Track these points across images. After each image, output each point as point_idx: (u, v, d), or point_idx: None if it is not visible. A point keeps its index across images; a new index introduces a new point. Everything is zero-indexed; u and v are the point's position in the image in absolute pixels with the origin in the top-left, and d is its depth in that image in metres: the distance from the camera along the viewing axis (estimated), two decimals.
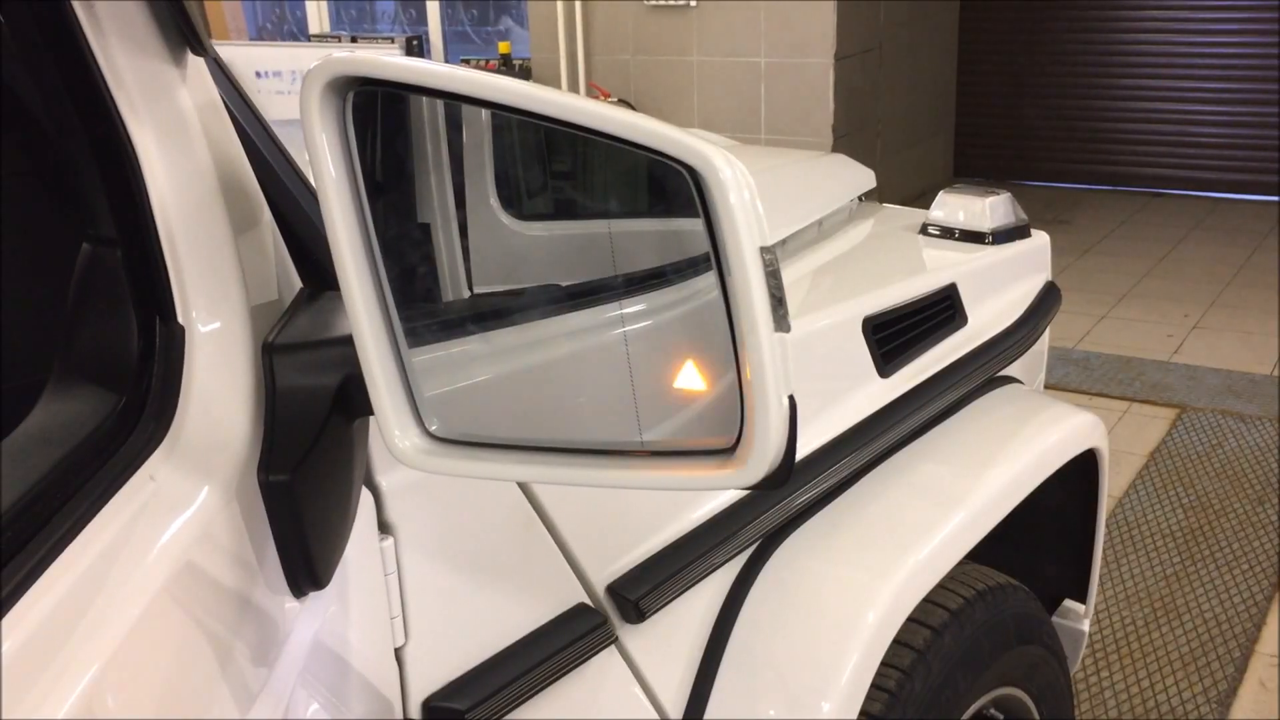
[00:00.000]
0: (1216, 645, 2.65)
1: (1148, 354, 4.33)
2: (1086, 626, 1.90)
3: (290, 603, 0.74)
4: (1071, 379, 4.12)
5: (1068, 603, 1.91)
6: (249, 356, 0.71)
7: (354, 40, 6.52)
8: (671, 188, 0.71)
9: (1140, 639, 2.69)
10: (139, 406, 0.67)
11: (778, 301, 0.57)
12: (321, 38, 6.96)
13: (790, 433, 0.59)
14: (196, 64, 0.72)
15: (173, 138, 0.68)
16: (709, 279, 0.64)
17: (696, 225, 0.64)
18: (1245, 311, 4.71)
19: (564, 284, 0.81)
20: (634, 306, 0.72)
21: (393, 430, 0.67)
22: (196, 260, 0.69)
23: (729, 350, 0.60)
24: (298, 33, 7.52)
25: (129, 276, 0.68)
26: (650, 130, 0.59)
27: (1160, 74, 6.47)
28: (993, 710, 1.58)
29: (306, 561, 0.71)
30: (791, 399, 0.59)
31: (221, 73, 0.79)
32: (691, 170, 0.58)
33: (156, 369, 0.68)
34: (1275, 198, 6.25)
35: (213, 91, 0.73)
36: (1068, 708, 1.74)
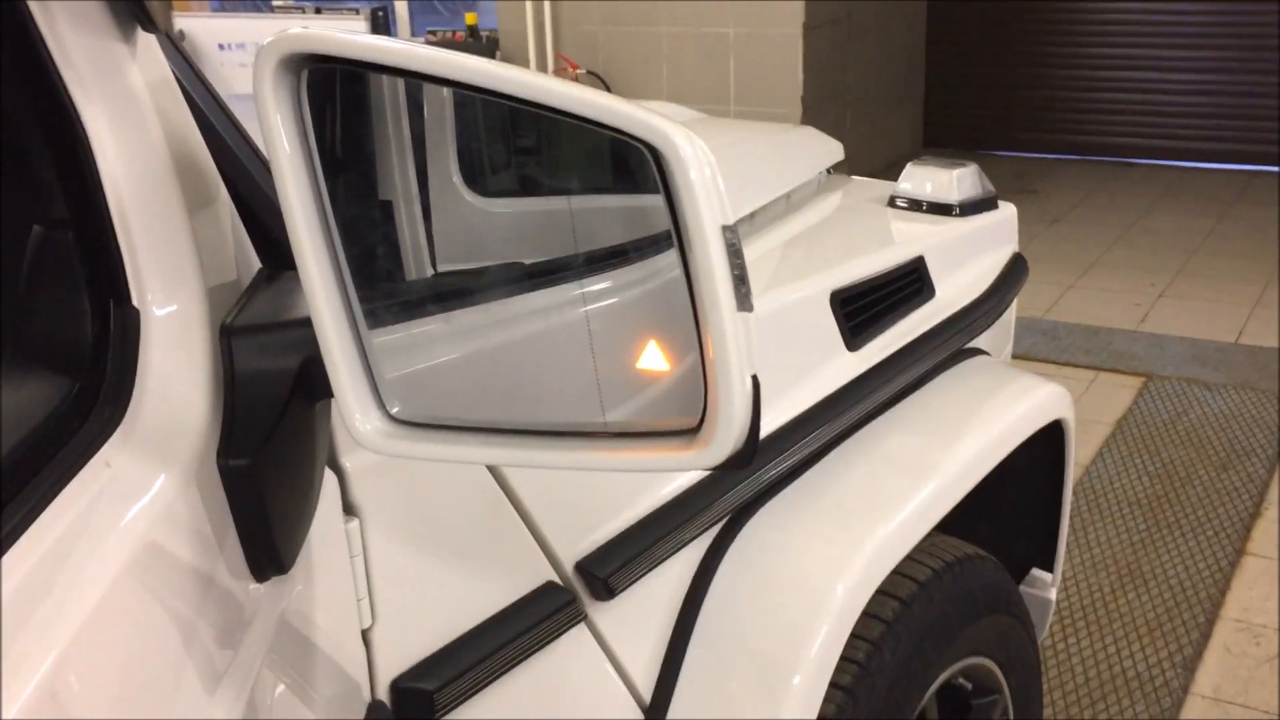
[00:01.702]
0: (1182, 610, 2.69)
1: (1115, 323, 4.36)
2: (1054, 595, 1.92)
3: (254, 586, 0.73)
4: (1039, 348, 4.15)
5: (1035, 572, 1.93)
6: (207, 339, 0.70)
7: (318, 11, 6.44)
8: (635, 164, 0.70)
9: (1106, 605, 2.73)
10: (94, 392, 0.66)
11: (740, 280, 0.57)
12: (285, 9, 6.87)
13: (754, 413, 0.59)
14: (147, 40, 0.70)
15: (124, 116, 0.67)
16: (672, 257, 0.64)
17: (660, 202, 0.63)
18: (1211, 280, 4.75)
19: (527, 262, 0.80)
20: (597, 285, 0.71)
21: (353, 414, 0.66)
22: (151, 242, 0.68)
23: (692, 330, 0.60)
24: (261, 4, 7.41)
25: (81, 259, 0.66)
26: (609, 108, 0.58)
27: (1127, 43, 6.50)
28: (962, 679, 1.60)
29: (269, 546, 0.70)
30: (755, 379, 0.58)
31: (174, 48, 0.78)
32: (652, 148, 0.58)
33: (111, 353, 0.66)
34: (1242, 166, 6.30)
35: (165, 68, 0.72)
36: (1036, 676, 1.76)
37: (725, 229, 0.57)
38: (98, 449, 0.65)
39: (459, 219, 0.87)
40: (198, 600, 0.67)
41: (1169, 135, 6.51)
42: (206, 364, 0.70)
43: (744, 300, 0.57)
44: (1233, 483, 3.23)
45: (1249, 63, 6.24)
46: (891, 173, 1.95)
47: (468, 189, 0.88)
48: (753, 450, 0.59)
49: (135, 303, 0.67)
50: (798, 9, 5.24)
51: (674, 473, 1.18)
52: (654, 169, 0.58)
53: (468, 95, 0.66)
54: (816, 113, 5.44)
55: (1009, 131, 6.87)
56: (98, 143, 0.65)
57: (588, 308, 0.70)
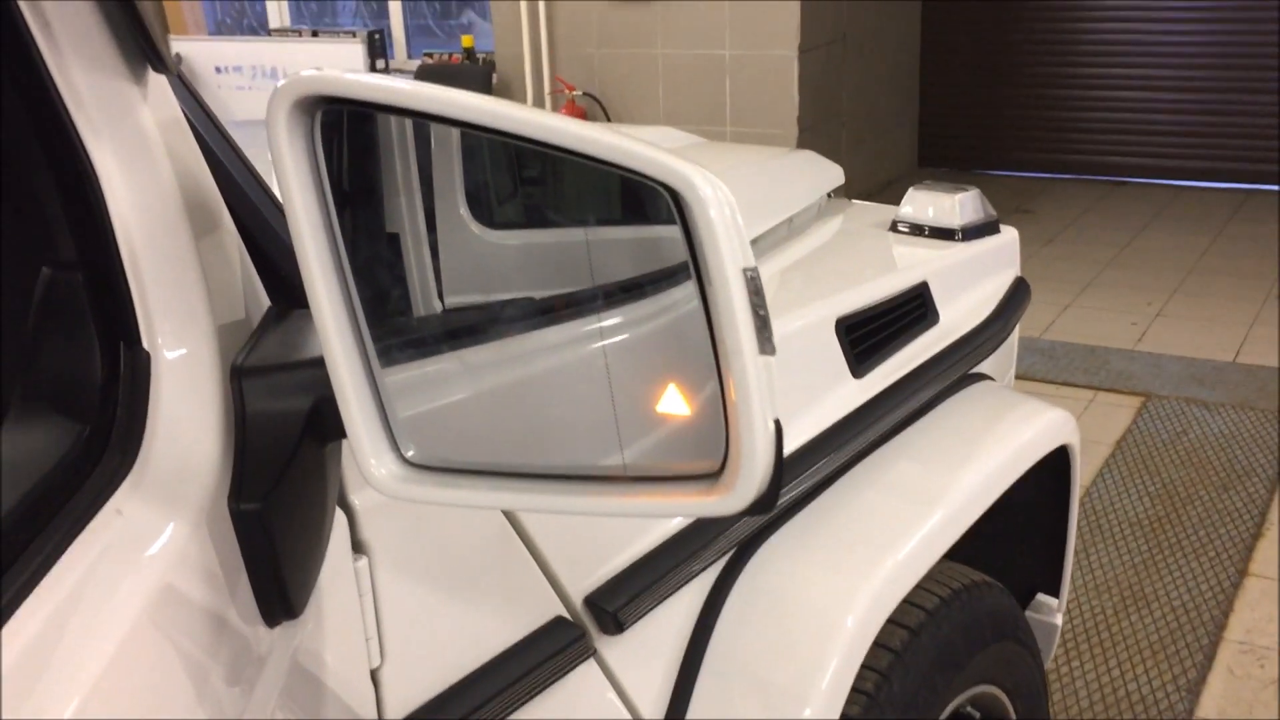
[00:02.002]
0: (1185, 633, 2.68)
1: (1112, 343, 4.36)
2: (1059, 620, 1.91)
3: (265, 630, 0.72)
4: (1037, 369, 4.15)
5: (1040, 596, 1.92)
6: (217, 381, 0.69)
7: (315, 35, 6.45)
8: (645, 195, 0.70)
9: (1110, 628, 2.71)
10: (104, 437, 0.65)
11: (762, 323, 0.56)
12: (282, 32, 6.88)
13: (777, 457, 0.58)
14: (158, 80, 0.70)
15: (134, 157, 0.66)
16: (687, 289, 0.63)
17: (674, 233, 0.63)
18: (1208, 299, 4.76)
19: (537, 297, 0.79)
20: (610, 321, 0.70)
21: (368, 459, 0.65)
22: (161, 283, 0.67)
23: (710, 370, 0.59)
24: (257, 27, 7.43)
25: (91, 301, 0.66)
26: (626, 150, 0.57)
27: (1121, 63, 6.53)
28: (969, 708, 1.59)
29: (280, 591, 0.70)
30: (777, 423, 0.58)
31: (185, 88, 0.77)
32: (671, 190, 0.57)
33: (121, 397, 0.66)
34: (1236, 185, 6.32)
35: (175, 108, 0.71)
36: (1043, 702, 1.75)
37: (746, 270, 0.56)
38: (109, 496, 0.64)
39: (467, 252, 0.87)
40: (211, 647, 0.66)
41: (1163, 154, 6.53)
42: (217, 406, 0.69)
43: (766, 343, 0.56)
44: (1233, 503, 3.22)
45: (1243, 82, 6.27)
46: (887, 193, 1.95)
47: (475, 221, 0.87)
48: (775, 496, 0.58)
49: (145, 345, 0.67)
50: (793, 31, 5.26)
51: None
52: (674, 211, 0.57)
53: (481, 136, 0.65)
54: (812, 134, 5.45)
55: (1003, 151, 6.89)
56: (108, 183, 0.65)
57: (601, 344, 0.70)
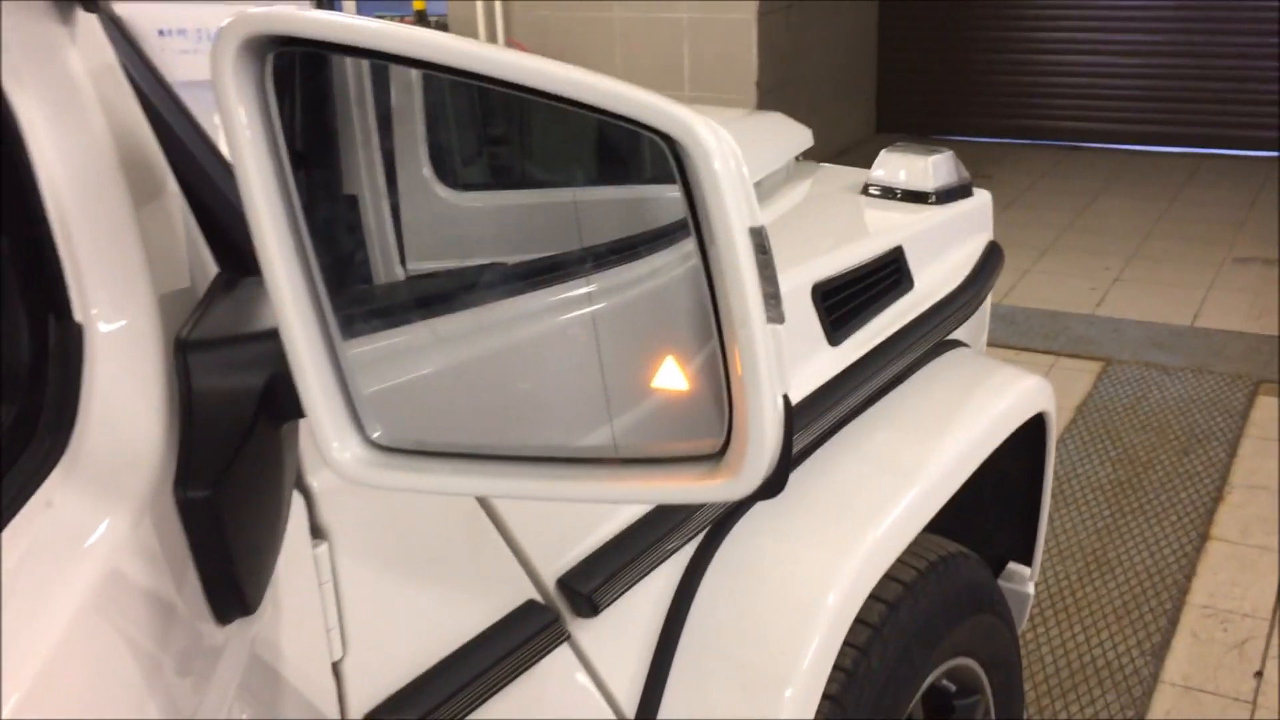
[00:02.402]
0: (1149, 597, 2.68)
1: (1071, 308, 4.36)
2: (1031, 589, 1.90)
3: (217, 629, 0.66)
4: (998, 334, 4.14)
5: (1013, 565, 1.90)
6: (159, 356, 0.62)
7: None
8: (628, 149, 0.64)
9: (1074, 593, 2.71)
10: (31, 420, 0.58)
11: (771, 288, 0.51)
12: None
13: (786, 436, 0.52)
14: (88, 21, 0.63)
15: (63, 107, 0.59)
16: (675, 254, 0.58)
17: (659, 191, 0.57)
18: (1164, 263, 4.77)
19: (510, 262, 0.73)
20: (592, 287, 0.65)
21: (330, 441, 0.59)
22: (95, 248, 0.60)
23: (708, 341, 0.54)
24: None
25: (16, 269, 0.59)
26: (622, 95, 0.51)
27: (1075, 27, 6.52)
28: (946, 682, 1.56)
29: (233, 585, 0.63)
30: (786, 398, 0.52)
31: (118, 31, 0.70)
32: (670, 139, 0.51)
33: (51, 375, 0.59)
34: (1191, 149, 6.35)
35: (108, 53, 0.64)
36: (1017, 674, 1.73)
37: (753, 230, 0.50)
38: (37, 486, 0.57)
39: (431, 216, 0.81)
40: (157, 652, 0.60)
41: (1118, 119, 6.54)
42: (159, 384, 0.62)
43: (774, 310, 0.51)
44: (1194, 467, 3.23)
45: (1197, 46, 6.29)
46: (845, 159, 1.90)
47: (439, 183, 0.81)
48: (784, 478, 0.53)
49: (78, 317, 0.60)
50: None
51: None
52: (673, 165, 0.51)
53: (451, 79, 0.59)
54: (771, 98, 5.39)
55: (960, 116, 6.88)
56: (33, 137, 0.58)
57: (585, 312, 0.64)
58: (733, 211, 0.50)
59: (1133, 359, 3.92)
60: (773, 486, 0.53)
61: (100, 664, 0.56)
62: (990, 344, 4.08)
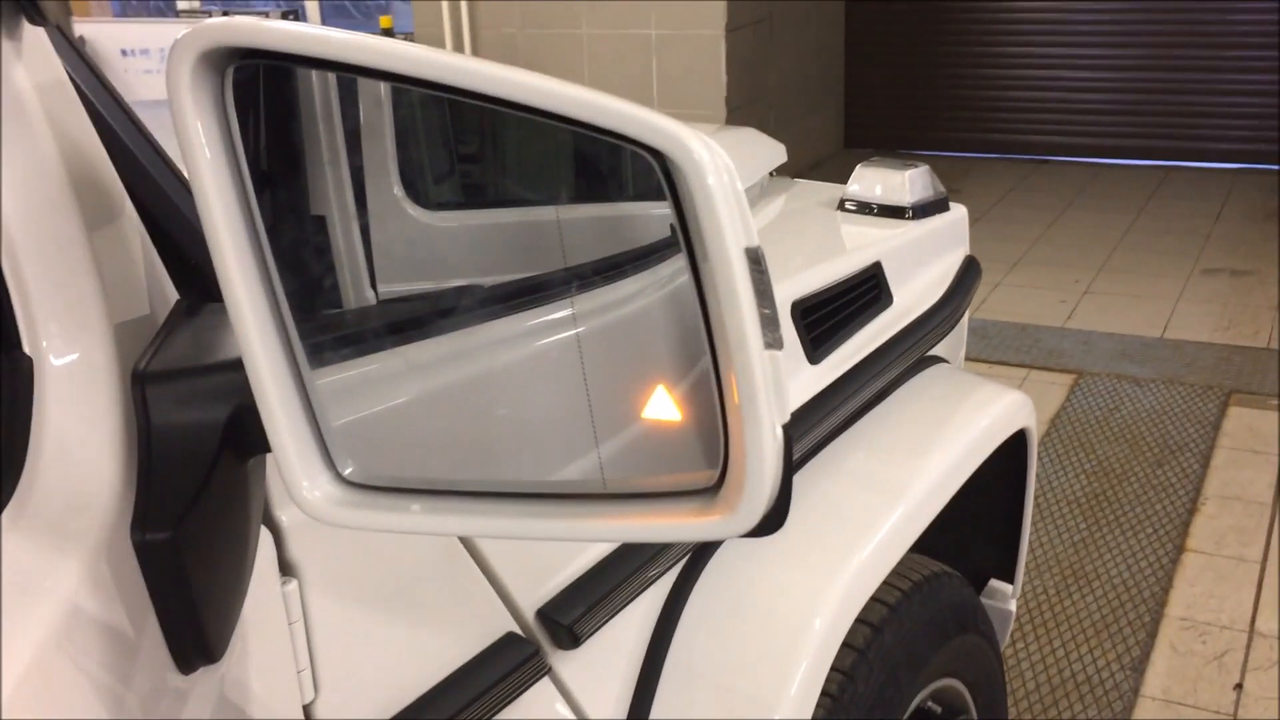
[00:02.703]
0: (1127, 610, 2.67)
1: (1043, 320, 4.37)
2: (1014, 606, 1.87)
3: (180, 679, 0.62)
4: (971, 348, 4.11)
5: (994, 583, 1.87)
6: (115, 389, 0.59)
7: (225, 15, 6.22)
8: (607, 166, 0.61)
9: (1053, 607, 2.70)
10: None
11: (768, 312, 0.48)
12: (191, 13, 6.64)
13: (786, 468, 0.49)
14: (36, 36, 0.59)
15: (8, 125, 0.55)
16: (663, 273, 0.55)
17: (645, 209, 0.54)
18: (1133, 275, 4.80)
19: (487, 284, 0.70)
20: (575, 310, 0.62)
21: (299, 479, 0.55)
22: (45, 275, 0.56)
23: (705, 368, 0.50)
24: (165, 8, 7.16)
25: None
26: (609, 109, 0.48)
27: (1042, 42, 6.57)
28: (931, 703, 1.53)
29: (196, 633, 0.59)
30: (786, 429, 0.49)
31: (69, 46, 0.66)
32: (659, 154, 0.48)
33: None
34: (1157, 162, 6.40)
35: (58, 70, 0.61)
36: (1001, 693, 1.71)
37: (748, 250, 0.47)
38: None
39: (403, 237, 0.77)
40: (116, 707, 0.56)
41: (1084, 133, 6.59)
42: (115, 419, 0.58)
43: (772, 335, 0.48)
44: (1168, 478, 3.23)
45: (1162, 60, 6.35)
46: (814, 175, 1.89)
47: (411, 202, 0.78)
48: (784, 514, 0.50)
49: (27, 349, 0.56)
50: (719, 10, 5.19)
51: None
52: (662, 181, 0.48)
53: (425, 92, 0.56)
54: (740, 114, 5.40)
55: (928, 131, 6.91)
56: None
57: (565, 337, 0.61)
58: (728, 230, 0.47)
59: (1104, 371, 3.92)
60: (772, 523, 0.50)
61: (56, 713, 0.52)
62: (964, 358, 4.08)
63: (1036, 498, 3.16)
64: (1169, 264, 4.89)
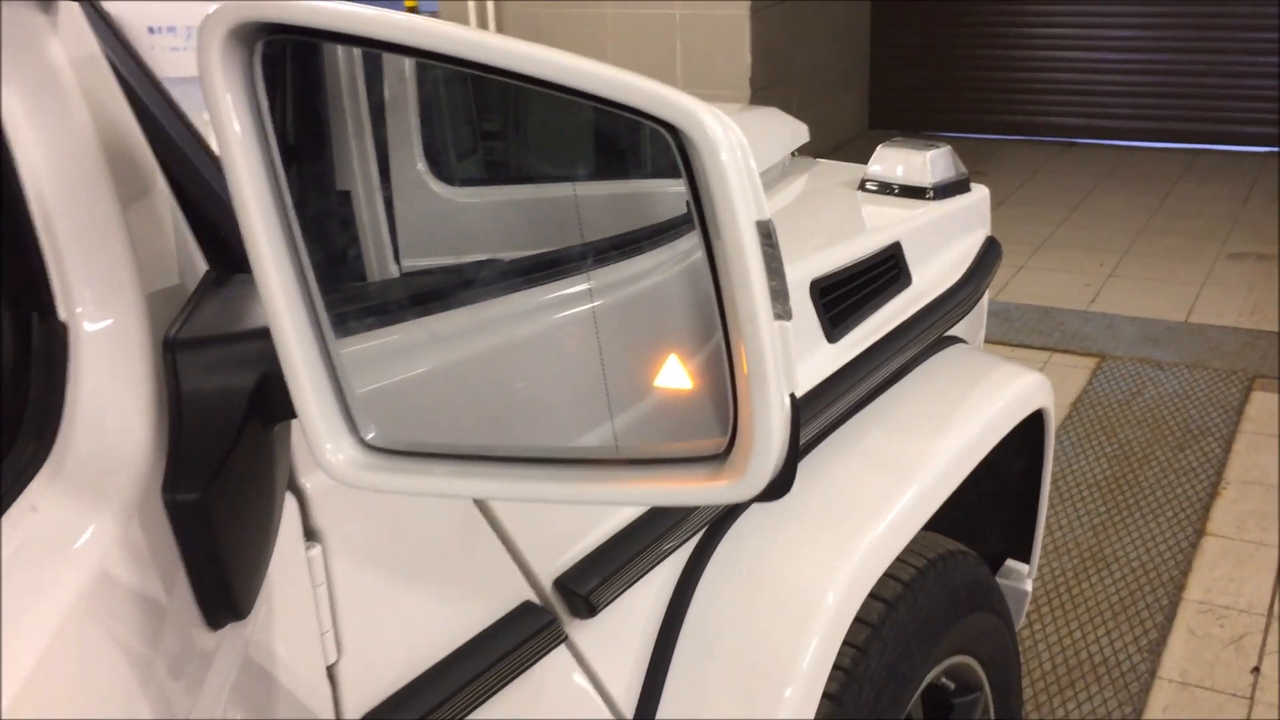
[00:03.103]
0: (1145, 593, 2.68)
1: (1066, 304, 4.36)
2: (1029, 586, 1.88)
3: (209, 634, 0.64)
4: (993, 331, 4.13)
5: (1010, 563, 1.89)
6: (147, 355, 0.61)
7: None
8: (626, 143, 0.62)
9: (1070, 590, 2.70)
10: (15, 422, 0.57)
11: (778, 284, 0.49)
12: None
13: (793, 436, 0.51)
14: (70, 9, 0.61)
15: (43, 99, 0.57)
16: (674, 250, 0.56)
17: (661, 185, 0.56)
18: (1158, 259, 4.77)
19: (507, 258, 0.72)
20: (592, 283, 0.63)
21: (323, 443, 0.57)
22: (80, 244, 0.58)
23: (717, 339, 0.52)
24: None
25: None
26: (625, 84, 0.49)
27: (1068, 23, 6.51)
28: (945, 680, 1.55)
29: (224, 590, 0.61)
30: (793, 397, 0.51)
31: (101, 19, 0.68)
32: (674, 129, 0.49)
33: (35, 376, 0.57)
34: (1184, 145, 6.35)
35: (91, 43, 0.62)
36: (1015, 671, 1.72)
37: (759, 224, 0.49)
38: (20, 490, 0.55)
39: (425, 211, 0.79)
40: (147, 657, 0.58)
41: (1112, 115, 6.54)
42: (147, 384, 0.60)
43: (781, 307, 0.49)
44: (1189, 463, 3.23)
45: (1190, 42, 6.28)
46: (838, 155, 1.89)
47: (434, 178, 0.80)
48: (790, 480, 0.51)
49: (62, 315, 0.58)
50: None
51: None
52: (676, 156, 0.50)
53: (433, 69, 0.57)
54: (765, 95, 5.38)
55: (953, 113, 6.87)
56: (13, 130, 0.56)
57: (585, 309, 0.63)
58: (739, 204, 0.48)
59: (1127, 355, 3.91)
60: (779, 488, 0.51)
61: (90, 667, 0.54)
62: (985, 340, 4.08)
63: (1057, 481, 3.16)
64: (1195, 248, 4.86)
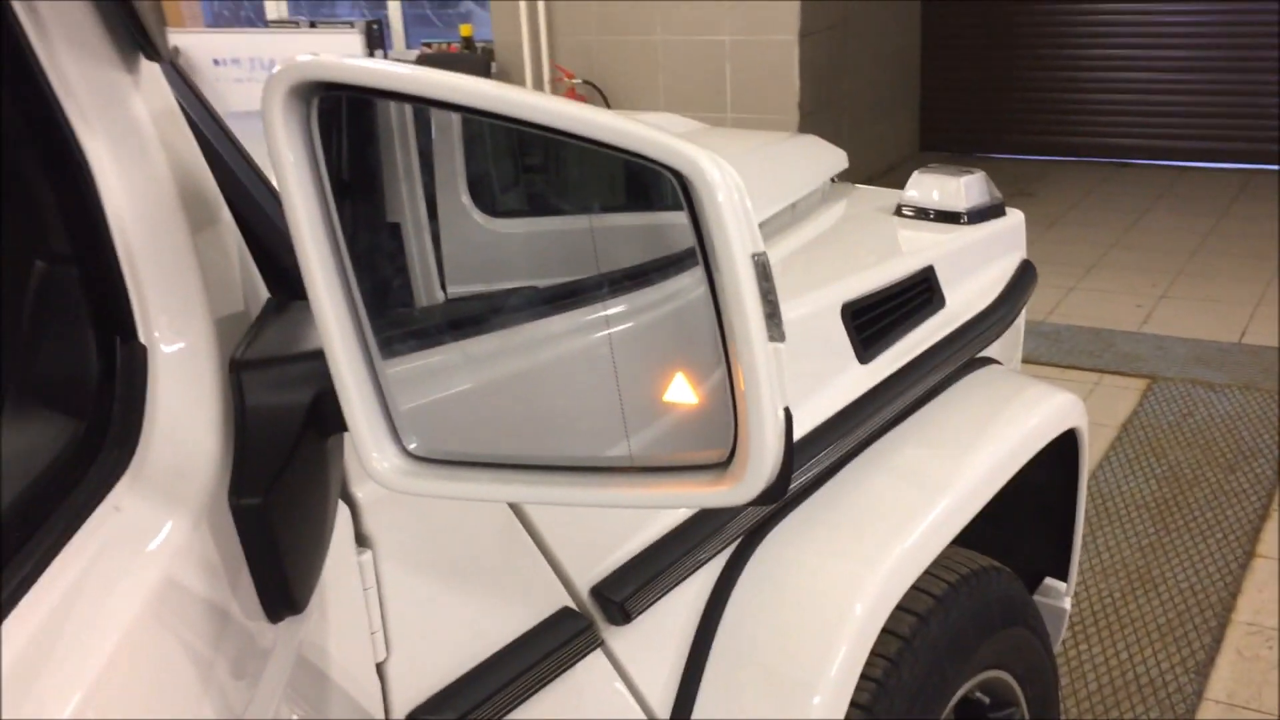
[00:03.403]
0: (1193, 615, 2.67)
1: (1117, 325, 4.35)
2: (1068, 604, 1.90)
3: (268, 627, 0.71)
4: (1042, 352, 4.14)
5: (1049, 581, 1.91)
6: (216, 374, 0.68)
7: (313, 25, 6.42)
8: (649, 181, 0.68)
9: (1118, 611, 2.71)
10: (101, 433, 0.64)
11: (771, 309, 0.55)
12: (279, 24, 6.86)
13: (787, 446, 0.57)
14: (151, 69, 0.68)
15: (128, 148, 0.65)
16: (692, 277, 0.62)
17: (678, 219, 0.61)
18: (1212, 280, 4.74)
19: (541, 286, 0.78)
20: (615, 309, 0.69)
21: (370, 452, 0.64)
22: (157, 275, 0.66)
23: (718, 359, 0.58)
24: (255, 19, 7.40)
25: (86, 295, 0.64)
26: (631, 134, 0.56)
27: (1121, 44, 6.49)
28: (979, 694, 1.58)
29: (282, 586, 0.68)
30: (787, 411, 0.57)
31: (178, 76, 0.76)
32: (677, 174, 0.56)
33: (118, 392, 0.64)
34: (1239, 165, 6.29)
35: (169, 98, 0.70)
36: (1052, 687, 1.74)
37: (755, 255, 0.55)
38: (107, 492, 0.63)
39: (469, 241, 0.86)
40: (213, 644, 0.65)
41: (1165, 135, 6.50)
42: (216, 400, 0.68)
43: (775, 330, 0.55)
44: (1240, 484, 3.21)
45: (1244, 61, 6.24)
46: (890, 177, 1.93)
47: (478, 210, 0.86)
48: (785, 486, 0.57)
49: (142, 338, 0.65)
50: (793, 15, 5.24)
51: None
52: (680, 195, 0.56)
53: (483, 120, 0.64)
54: (814, 119, 5.43)
55: (1005, 134, 6.87)
56: (101, 175, 0.64)
57: (606, 333, 0.69)
58: (735, 239, 0.55)
59: (1178, 376, 3.89)
60: (774, 493, 0.57)
61: (164, 651, 0.61)
62: (1035, 361, 4.07)
63: (1105, 501, 3.16)
64: (1249, 269, 4.82)
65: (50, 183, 0.63)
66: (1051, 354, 4.12)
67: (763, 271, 0.55)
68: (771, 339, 0.55)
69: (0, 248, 0.65)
